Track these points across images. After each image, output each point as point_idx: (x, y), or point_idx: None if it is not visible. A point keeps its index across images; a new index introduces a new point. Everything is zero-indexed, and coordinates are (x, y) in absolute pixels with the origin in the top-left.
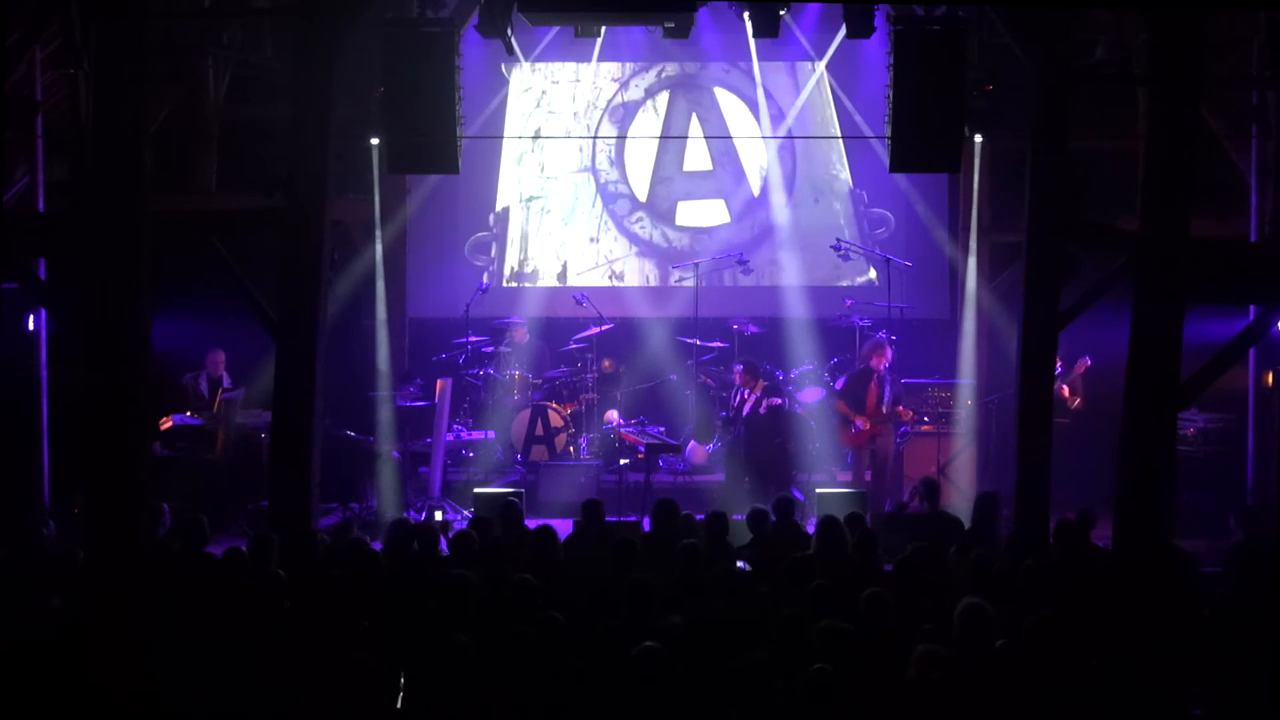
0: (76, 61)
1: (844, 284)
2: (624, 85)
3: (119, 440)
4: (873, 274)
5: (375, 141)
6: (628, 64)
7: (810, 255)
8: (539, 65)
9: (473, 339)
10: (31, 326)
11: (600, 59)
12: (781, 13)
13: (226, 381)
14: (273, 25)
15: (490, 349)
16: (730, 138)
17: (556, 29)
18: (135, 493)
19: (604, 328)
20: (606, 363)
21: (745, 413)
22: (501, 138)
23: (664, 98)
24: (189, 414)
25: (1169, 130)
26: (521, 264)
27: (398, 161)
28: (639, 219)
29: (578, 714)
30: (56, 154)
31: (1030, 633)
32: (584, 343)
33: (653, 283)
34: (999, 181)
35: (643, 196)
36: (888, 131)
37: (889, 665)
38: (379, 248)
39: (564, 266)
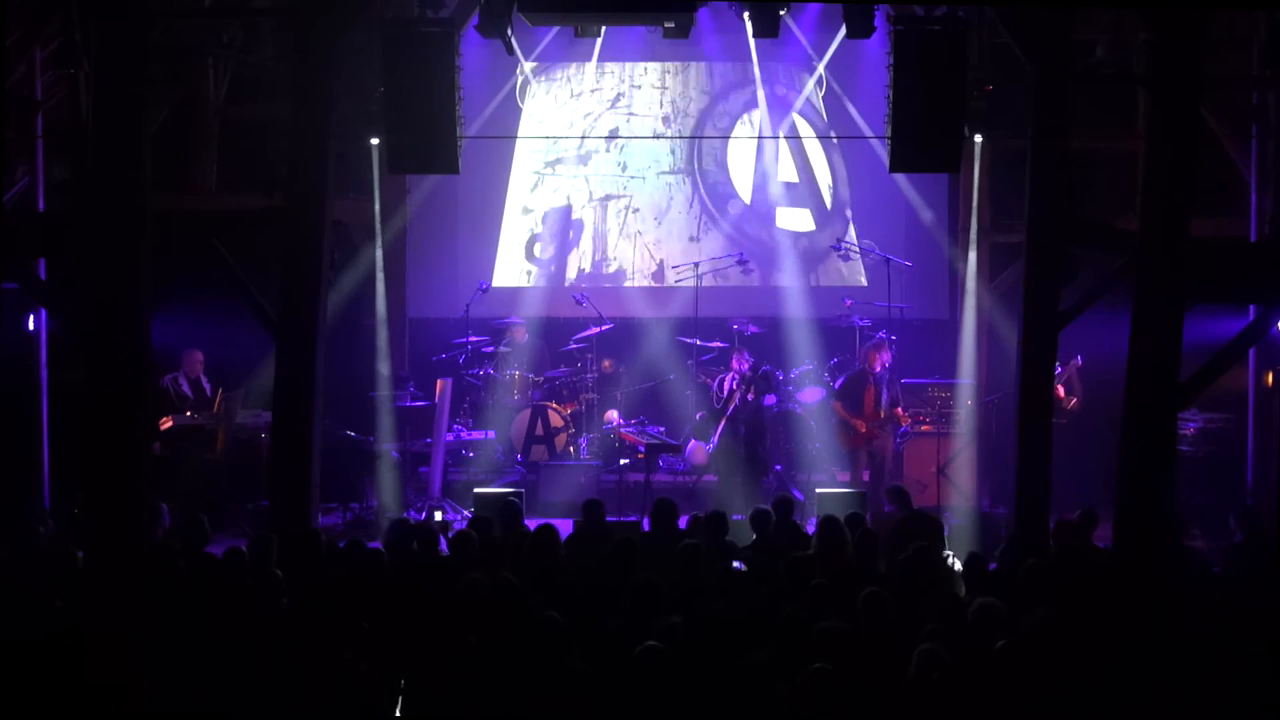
0: (76, 61)
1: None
2: (723, 97)
3: (119, 440)
4: (863, 279)
5: (375, 141)
6: (717, 77)
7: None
8: (610, 67)
9: (473, 339)
10: (31, 326)
11: (600, 59)
12: (781, 13)
13: (205, 382)
14: (273, 25)
15: (490, 349)
16: (729, 138)
17: (556, 29)
18: (135, 493)
19: (604, 328)
20: (606, 363)
21: (736, 403)
22: (502, 137)
23: (758, 114)
24: (190, 414)
25: (1169, 130)
26: (599, 264)
27: (398, 161)
28: (750, 219)
29: (578, 714)
30: (56, 154)
31: (1030, 632)
32: (584, 343)
33: (754, 282)
34: (999, 181)
35: (747, 199)
36: (888, 131)
37: (889, 665)
38: (379, 248)
39: (659, 265)
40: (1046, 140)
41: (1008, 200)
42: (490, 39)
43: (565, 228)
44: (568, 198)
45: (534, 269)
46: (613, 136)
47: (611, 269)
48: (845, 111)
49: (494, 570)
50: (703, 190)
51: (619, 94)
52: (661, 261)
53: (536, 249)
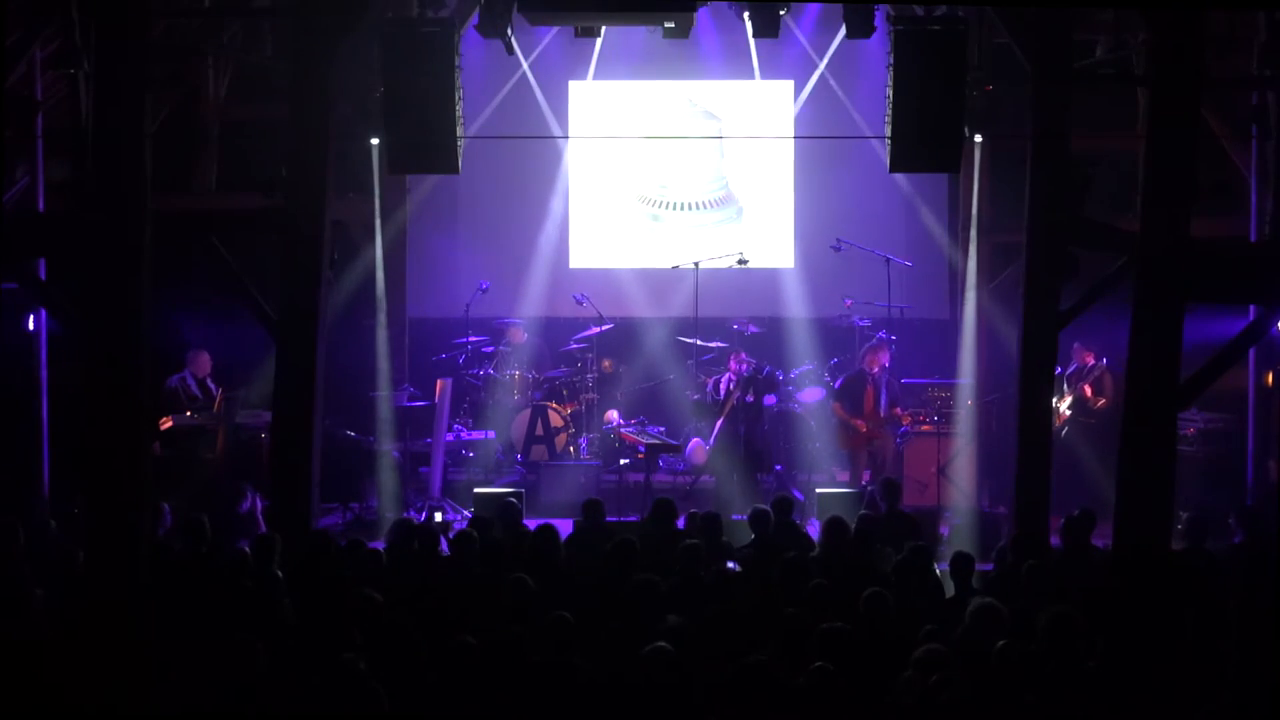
0: (76, 61)
1: None
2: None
3: (119, 440)
4: None
5: (375, 141)
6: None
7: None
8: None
9: (473, 339)
10: (31, 326)
11: (599, 58)
12: (781, 13)
13: (211, 383)
14: (273, 25)
15: (490, 349)
16: (725, 137)
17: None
18: (135, 493)
19: (604, 328)
20: (606, 363)
21: (735, 403)
22: (501, 137)
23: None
24: (190, 414)
25: (1169, 130)
26: None
27: (398, 161)
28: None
29: (578, 714)
30: (56, 154)
31: (1045, 630)
32: (584, 343)
33: (754, 282)
34: (999, 181)
35: None
36: (888, 131)
37: (889, 665)
38: (379, 248)
39: None
40: (1046, 140)
41: (1008, 200)
42: (490, 39)
43: None
44: None
45: None
46: (631, 138)
47: None
48: (845, 111)
49: (497, 572)
50: None
51: None
52: None
53: None
